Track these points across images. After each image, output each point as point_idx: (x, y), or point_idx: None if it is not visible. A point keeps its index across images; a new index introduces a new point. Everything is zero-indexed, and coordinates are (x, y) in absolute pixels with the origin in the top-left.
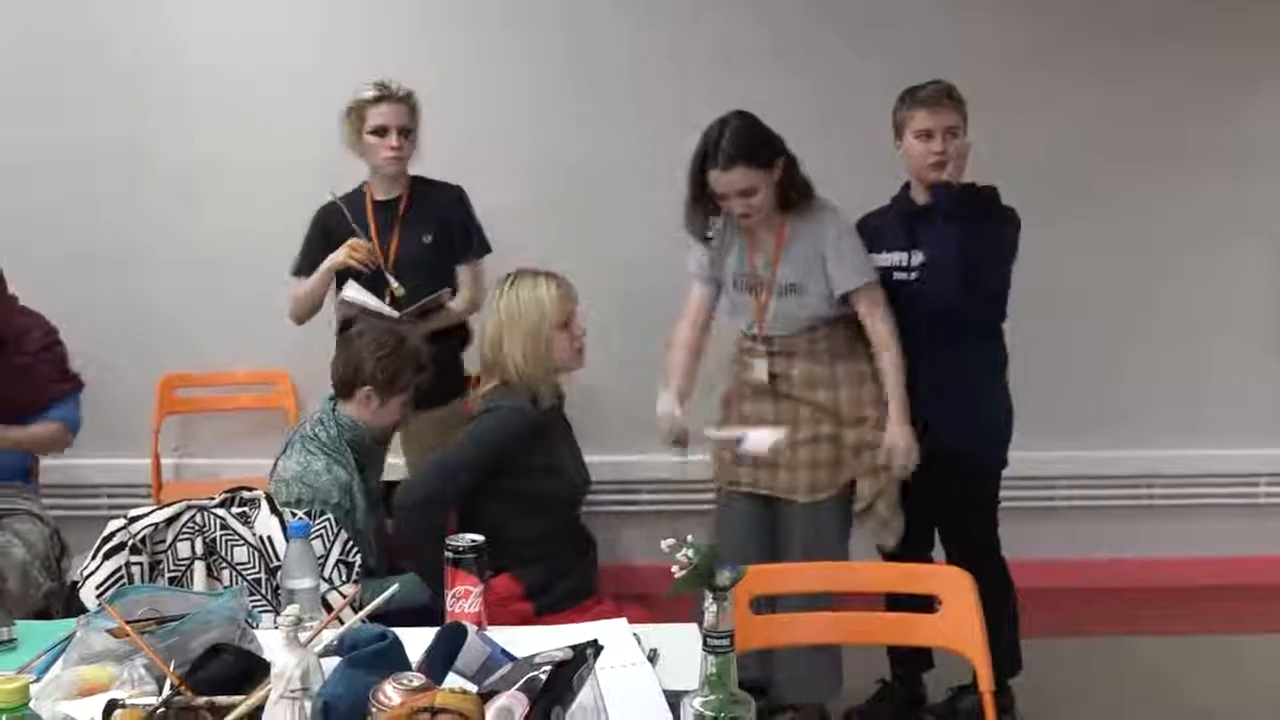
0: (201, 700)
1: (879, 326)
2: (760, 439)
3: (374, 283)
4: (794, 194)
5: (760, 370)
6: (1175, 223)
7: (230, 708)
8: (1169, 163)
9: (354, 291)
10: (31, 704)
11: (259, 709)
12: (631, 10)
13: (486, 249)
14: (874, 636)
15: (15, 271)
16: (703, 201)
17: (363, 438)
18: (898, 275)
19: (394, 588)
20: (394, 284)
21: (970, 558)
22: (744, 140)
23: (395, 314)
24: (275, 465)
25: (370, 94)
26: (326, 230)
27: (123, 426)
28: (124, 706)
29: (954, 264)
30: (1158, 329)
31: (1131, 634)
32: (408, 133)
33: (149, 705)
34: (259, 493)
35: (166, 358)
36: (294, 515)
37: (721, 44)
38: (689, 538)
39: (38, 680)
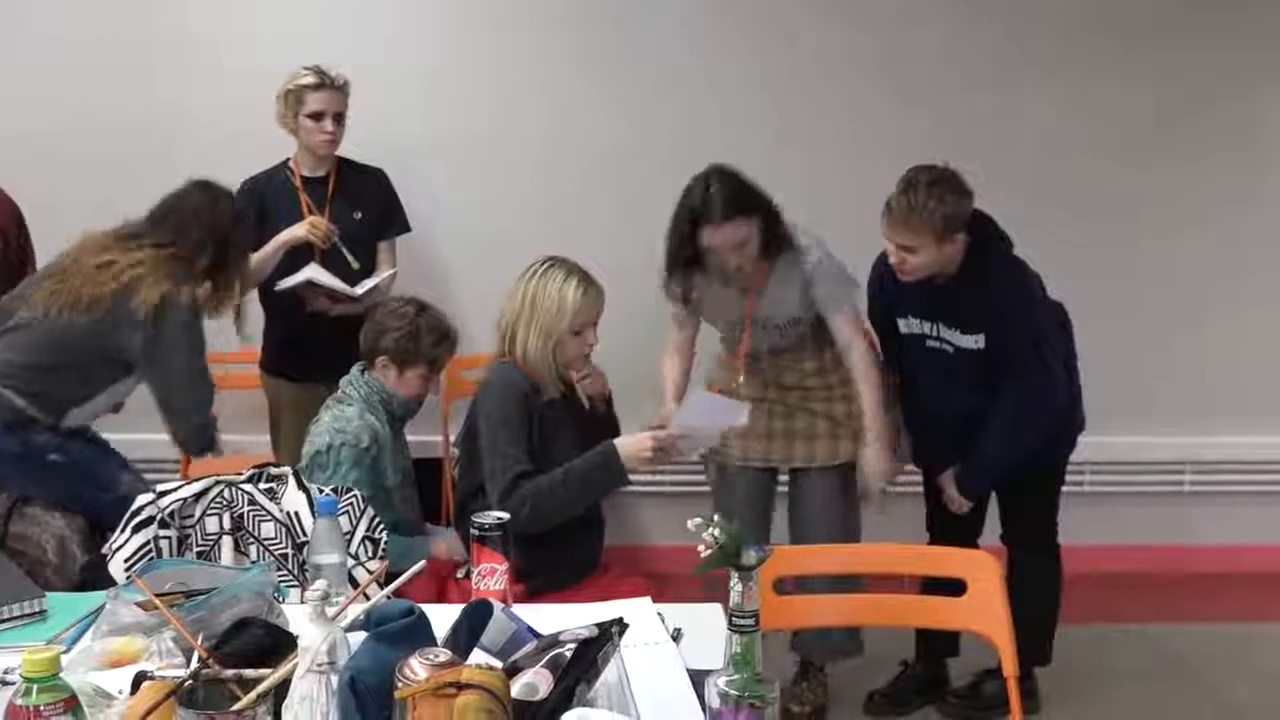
0: (229, 673)
1: (856, 353)
2: (703, 410)
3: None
4: (777, 242)
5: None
6: (1214, 211)
7: (257, 681)
8: (1194, 153)
9: (316, 271)
10: (62, 674)
11: (286, 682)
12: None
13: (407, 228)
14: (899, 619)
15: (38, 244)
16: (688, 263)
17: (391, 402)
18: (930, 344)
19: (420, 564)
20: (350, 258)
21: (1025, 547)
22: (735, 192)
23: (356, 293)
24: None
25: (310, 80)
26: (261, 205)
27: (152, 403)
28: (152, 678)
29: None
30: (1187, 317)
31: (1158, 621)
32: (341, 118)
33: (177, 677)
34: (286, 469)
35: None
36: (321, 491)
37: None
38: (715, 517)
39: (67, 651)
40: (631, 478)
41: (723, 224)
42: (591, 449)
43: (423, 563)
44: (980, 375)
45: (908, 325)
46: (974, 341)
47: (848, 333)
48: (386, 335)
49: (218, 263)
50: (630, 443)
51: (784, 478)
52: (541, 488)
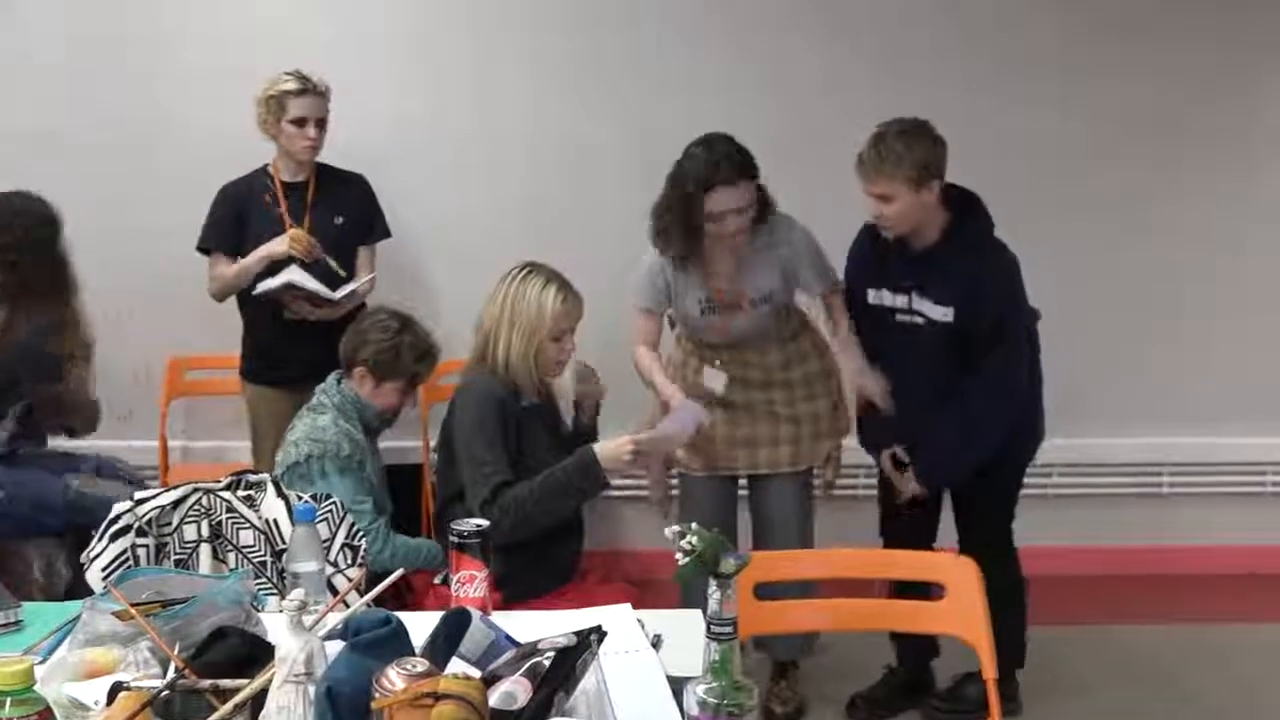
0: (206, 683)
1: (842, 322)
2: (687, 421)
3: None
4: (765, 208)
5: (717, 382)
6: (1193, 213)
7: (235, 691)
8: (1185, 155)
9: (297, 275)
10: (37, 686)
11: (263, 693)
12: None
13: (387, 233)
14: (879, 623)
15: None
16: (694, 227)
17: (365, 412)
18: (900, 317)
19: (399, 571)
20: (334, 265)
21: (982, 550)
22: (740, 156)
23: (335, 296)
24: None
25: (292, 86)
26: (240, 211)
27: (130, 408)
28: (129, 689)
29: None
30: (1169, 318)
31: (1136, 623)
32: (323, 123)
33: (153, 688)
34: (265, 476)
35: (175, 339)
36: (299, 498)
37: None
38: (693, 525)
39: (43, 662)
40: (612, 481)
41: (732, 185)
42: (569, 452)
43: (400, 570)
44: (944, 354)
45: (878, 297)
46: (943, 314)
47: (837, 305)
48: (367, 346)
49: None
50: (609, 446)
51: (743, 482)
52: (521, 496)
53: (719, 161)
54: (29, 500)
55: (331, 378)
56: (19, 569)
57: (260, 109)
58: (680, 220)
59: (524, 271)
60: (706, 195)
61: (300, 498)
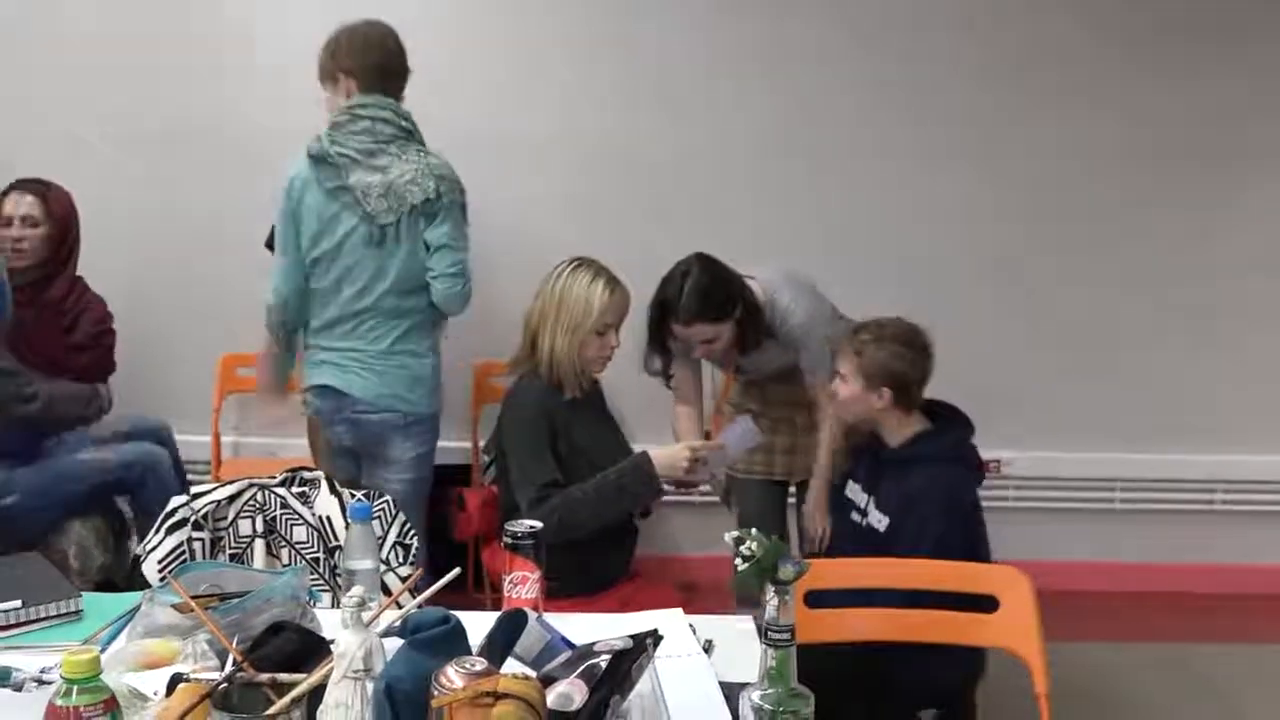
0: (264, 677)
1: (825, 420)
2: (742, 436)
3: None
4: (752, 337)
5: (745, 440)
6: (1239, 224)
7: (292, 685)
8: (1232, 165)
9: None
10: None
11: (320, 687)
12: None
13: None
14: (930, 634)
15: (84, 248)
16: (664, 346)
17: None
18: (854, 516)
19: (455, 571)
20: None
21: None
22: (703, 297)
23: None
24: None
25: None
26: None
27: (184, 404)
28: (188, 681)
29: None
30: (1217, 333)
31: (1185, 641)
32: None
33: (212, 680)
34: (319, 473)
35: (229, 336)
36: (353, 497)
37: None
38: (752, 530)
39: (103, 652)
40: (666, 488)
41: (688, 324)
42: (611, 445)
43: (456, 570)
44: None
45: (851, 490)
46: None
47: (822, 400)
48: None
49: None
50: (665, 453)
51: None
52: (572, 497)
53: (679, 299)
54: (36, 492)
55: (393, 103)
56: (53, 558)
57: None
58: (655, 338)
59: (573, 266)
60: (669, 323)
61: (354, 496)
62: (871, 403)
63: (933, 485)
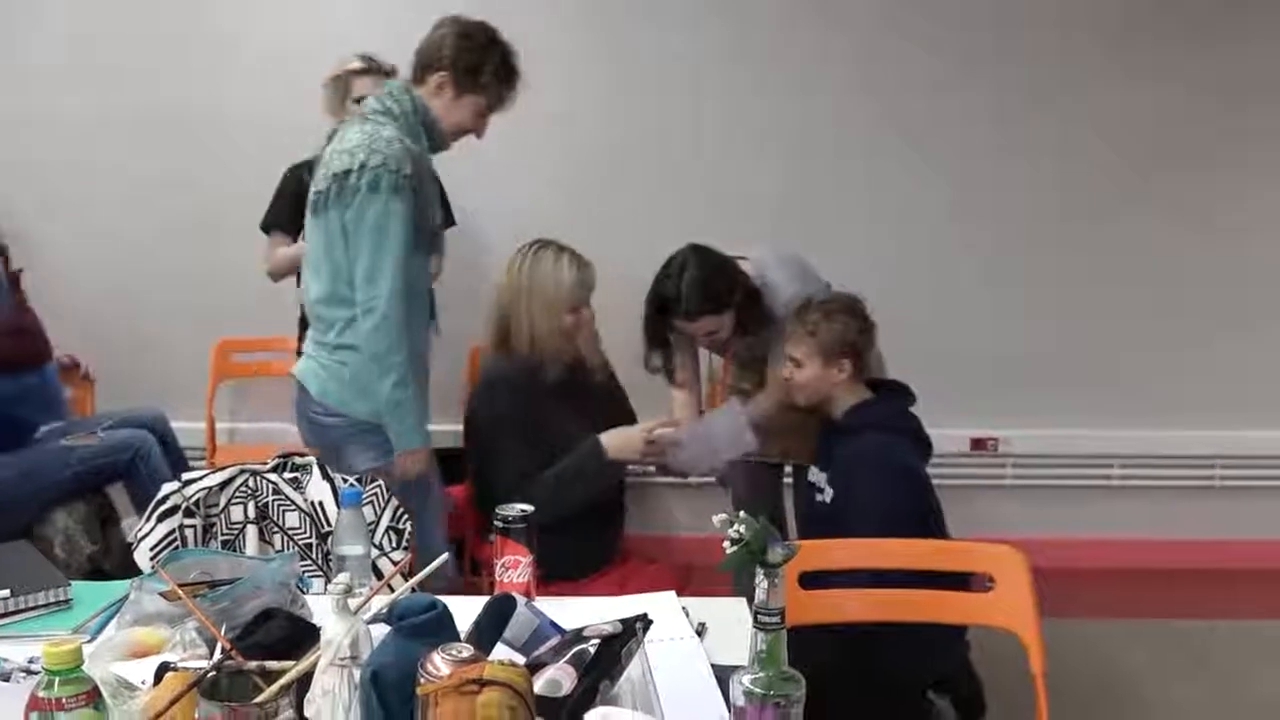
0: (252, 665)
1: None
2: (734, 436)
3: None
4: (753, 324)
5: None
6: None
7: (280, 673)
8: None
9: None
10: (85, 665)
11: (308, 675)
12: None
13: (452, 221)
14: (926, 614)
15: (76, 234)
16: (664, 342)
17: (433, 129)
18: (817, 498)
19: (444, 556)
20: None
21: None
22: (704, 289)
23: None
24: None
25: (358, 65)
26: (303, 191)
27: (178, 390)
28: (175, 669)
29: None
30: (1215, 308)
31: (1184, 617)
32: None
33: (200, 669)
34: (311, 458)
35: (222, 322)
36: (345, 481)
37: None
38: (741, 513)
39: (91, 640)
40: (634, 467)
41: (694, 319)
42: (600, 424)
43: (445, 556)
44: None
45: (813, 474)
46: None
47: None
48: (447, 49)
49: None
50: (618, 436)
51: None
52: (543, 484)
53: (679, 295)
54: (16, 480)
55: (395, 84)
56: (40, 546)
57: (326, 90)
58: (653, 336)
59: (534, 248)
60: (671, 319)
61: (345, 480)
62: (832, 378)
63: (870, 449)
